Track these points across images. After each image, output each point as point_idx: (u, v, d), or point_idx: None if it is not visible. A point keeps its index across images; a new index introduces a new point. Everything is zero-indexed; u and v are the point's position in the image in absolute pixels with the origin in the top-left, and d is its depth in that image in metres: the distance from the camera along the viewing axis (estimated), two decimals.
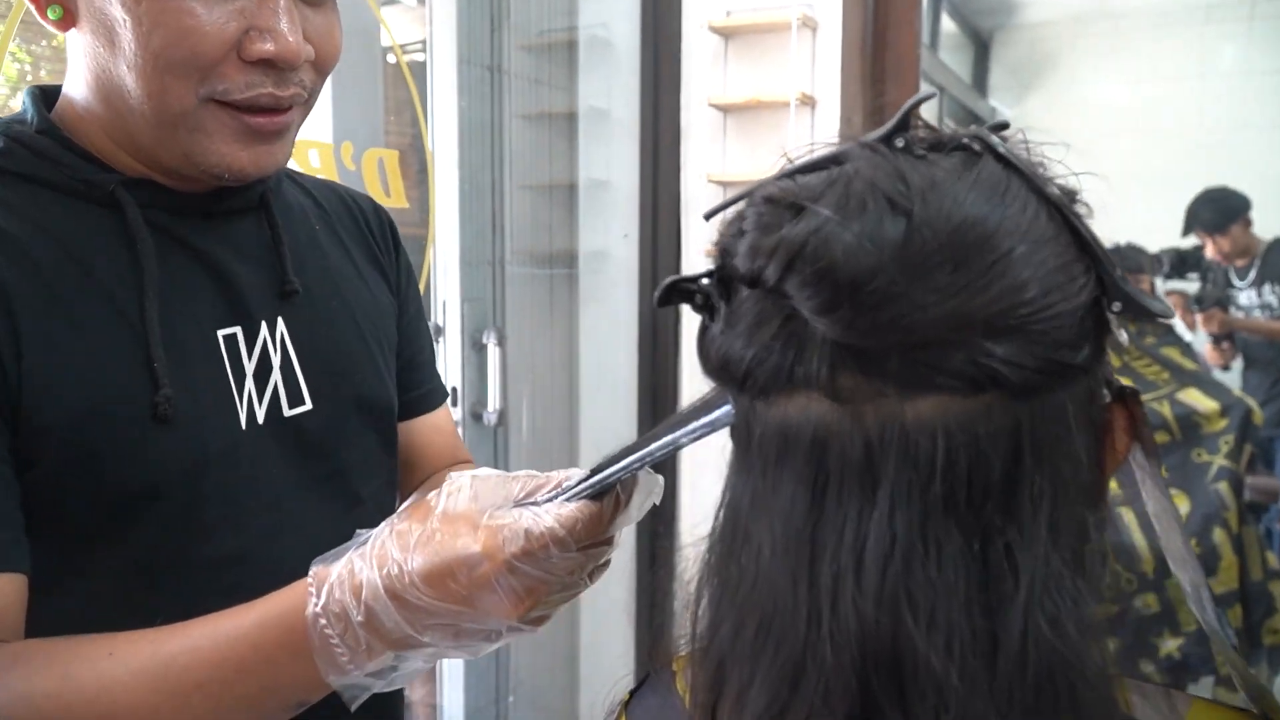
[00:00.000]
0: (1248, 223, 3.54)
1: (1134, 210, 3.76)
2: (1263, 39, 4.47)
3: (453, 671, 2.11)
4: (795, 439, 0.42)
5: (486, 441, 2.09)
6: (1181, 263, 3.28)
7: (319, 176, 0.94)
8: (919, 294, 0.39)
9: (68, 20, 0.70)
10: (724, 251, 0.44)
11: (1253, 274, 3.51)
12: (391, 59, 1.83)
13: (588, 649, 2.26)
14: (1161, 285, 3.06)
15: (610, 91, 2.24)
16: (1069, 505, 0.42)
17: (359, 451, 0.84)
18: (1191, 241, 3.37)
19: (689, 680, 0.51)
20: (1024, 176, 0.42)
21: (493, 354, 2.01)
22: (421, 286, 1.89)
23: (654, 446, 0.54)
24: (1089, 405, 0.43)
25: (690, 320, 2.29)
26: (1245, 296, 3.41)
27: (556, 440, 2.28)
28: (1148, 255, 2.86)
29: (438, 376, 1.00)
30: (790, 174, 0.44)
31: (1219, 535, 2.49)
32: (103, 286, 0.70)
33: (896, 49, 2.00)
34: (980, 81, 5.09)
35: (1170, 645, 2.43)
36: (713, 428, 0.50)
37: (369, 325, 0.87)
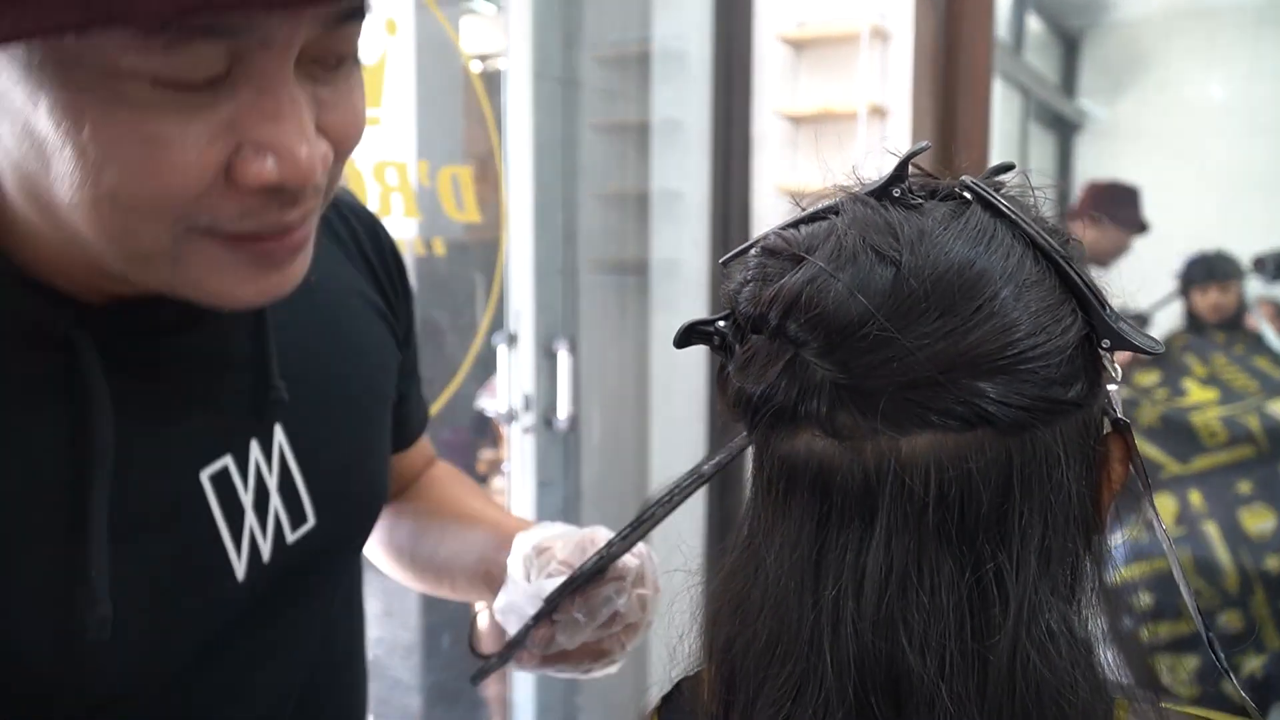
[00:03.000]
0: None
1: (1234, 211, 3.65)
2: None
3: None
4: (801, 471, 0.45)
5: (557, 448, 2.14)
6: None
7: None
8: (908, 338, 0.42)
9: None
10: (734, 298, 0.48)
11: None
12: (475, 67, 1.89)
13: (659, 649, 2.29)
14: (1260, 290, 2.95)
15: (682, 102, 2.27)
16: (1059, 535, 0.44)
17: (349, 558, 0.76)
18: None
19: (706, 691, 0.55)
20: (1010, 221, 0.45)
21: (564, 361, 2.06)
22: (494, 296, 1.95)
23: (678, 483, 0.58)
24: (1083, 438, 0.45)
25: None
26: None
27: (627, 447, 2.32)
28: (1234, 263, 2.78)
29: (423, 401, 0.90)
30: (793, 224, 0.47)
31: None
32: (39, 462, 0.53)
33: (969, 59, 1.99)
34: (1069, 82, 4.98)
35: (1253, 664, 2.36)
36: (730, 454, 0.53)
37: (370, 375, 0.75)
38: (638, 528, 0.62)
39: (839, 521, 0.45)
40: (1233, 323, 2.76)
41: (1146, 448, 2.54)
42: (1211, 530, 2.42)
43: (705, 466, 0.58)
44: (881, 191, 0.46)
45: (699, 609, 0.53)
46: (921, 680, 0.43)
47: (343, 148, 0.53)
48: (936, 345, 0.42)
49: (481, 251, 1.95)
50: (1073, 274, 0.44)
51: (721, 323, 0.49)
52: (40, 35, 0.42)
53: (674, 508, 0.61)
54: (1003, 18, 3.89)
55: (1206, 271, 2.76)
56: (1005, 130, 3.88)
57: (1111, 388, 0.46)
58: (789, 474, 0.46)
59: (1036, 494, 0.43)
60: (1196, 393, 2.61)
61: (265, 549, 0.62)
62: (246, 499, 0.61)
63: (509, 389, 2.09)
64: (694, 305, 2.28)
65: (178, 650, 0.58)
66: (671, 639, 0.57)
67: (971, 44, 1.98)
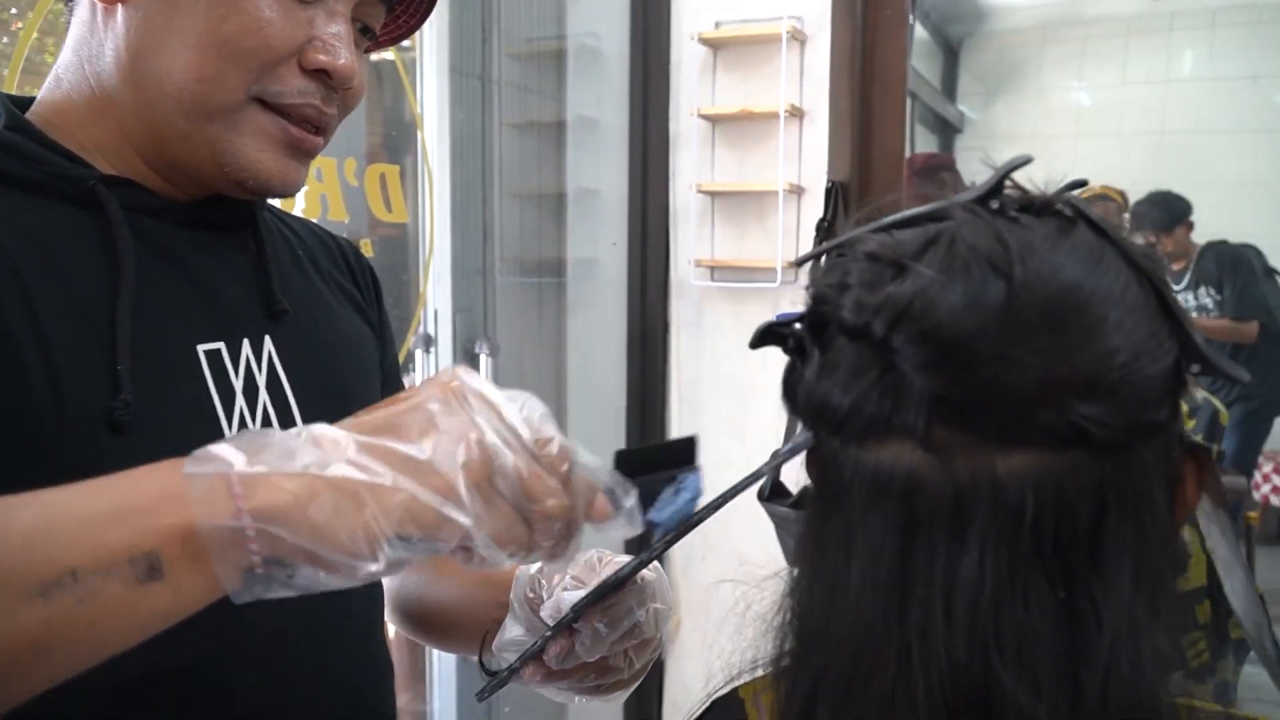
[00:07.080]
0: (1189, 226, 3.67)
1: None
2: (1223, 47, 4.58)
3: (444, 675, 2.11)
4: (887, 484, 0.44)
5: None
6: None
7: (297, 215, 0.91)
8: (1018, 354, 0.41)
9: None
10: (820, 299, 0.46)
11: (1187, 277, 3.64)
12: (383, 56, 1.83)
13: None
14: None
15: (599, 101, 2.25)
16: (1150, 554, 0.44)
17: None
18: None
19: (761, 707, 0.53)
20: (1117, 245, 0.44)
21: (484, 365, 2.02)
22: (421, 298, 1.89)
23: (737, 484, 0.56)
24: (1167, 459, 0.45)
25: (678, 327, 2.31)
26: (1181, 299, 3.49)
27: None
28: None
29: None
30: (885, 228, 0.46)
31: (1187, 532, 2.54)
32: (75, 288, 0.65)
33: (883, 62, 2.03)
34: (949, 87, 5.16)
35: None
36: (792, 453, 0.51)
37: (357, 352, 0.84)
38: (682, 533, 0.59)
39: (927, 535, 0.43)
40: None
41: None
42: None
43: (762, 468, 0.56)
44: (979, 203, 0.45)
45: (759, 623, 0.51)
46: (1015, 698, 0.42)
47: (353, 97, 0.74)
48: (1044, 364, 0.41)
49: (407, 251, 1.89)
50: (1169, 300, 0.44)
51: (798, 325, 0.47)
52: None
53: (716, 509, 0.58)
54: None
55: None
56: None
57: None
58: (874, 485, 0.45)
59: (1131, 516, 0.43)
60: None
61: (254, 429, 0.71)
62: (237, 383, 0.72)
63: None
64: (612, 305, 2.27)
65: None
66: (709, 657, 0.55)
67: (886, 45, 2.02)
